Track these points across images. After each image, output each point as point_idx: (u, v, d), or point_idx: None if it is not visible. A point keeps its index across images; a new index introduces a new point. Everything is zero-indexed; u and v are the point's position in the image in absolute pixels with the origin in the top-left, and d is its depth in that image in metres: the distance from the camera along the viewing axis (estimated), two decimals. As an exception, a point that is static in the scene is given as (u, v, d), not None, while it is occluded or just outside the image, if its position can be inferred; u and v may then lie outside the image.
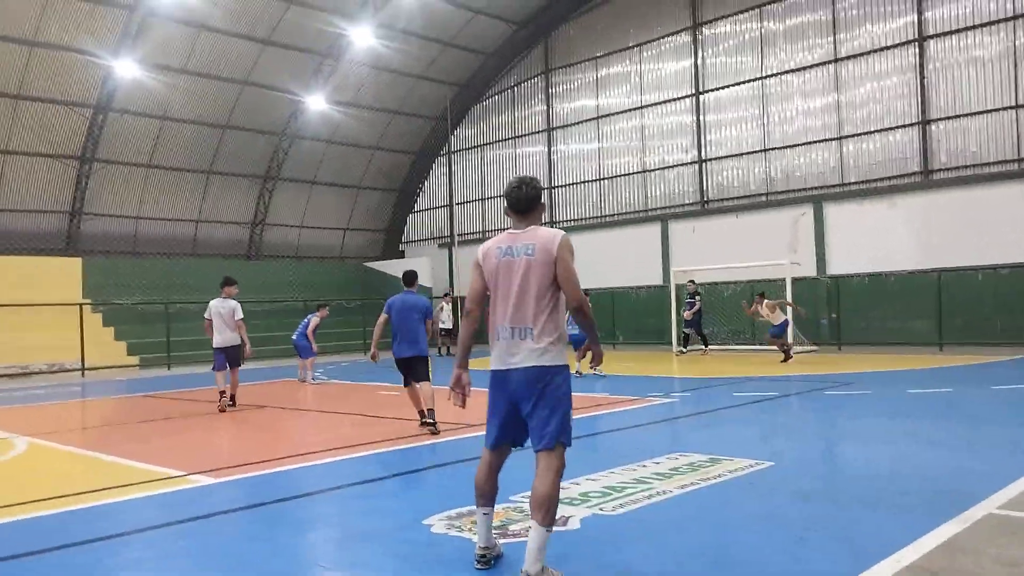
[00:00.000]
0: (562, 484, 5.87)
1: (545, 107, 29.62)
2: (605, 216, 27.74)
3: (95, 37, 23.34)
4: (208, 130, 27.89)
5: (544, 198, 4.25)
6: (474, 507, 4.32)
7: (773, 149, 23.63)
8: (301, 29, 26.11)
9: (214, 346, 11.60)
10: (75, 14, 22.65)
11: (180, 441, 9.24)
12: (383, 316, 9.51)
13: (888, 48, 21.48)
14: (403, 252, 35.05)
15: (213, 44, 25.51)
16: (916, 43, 20.97)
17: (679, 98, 25.73)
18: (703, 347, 20.90)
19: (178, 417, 11.44)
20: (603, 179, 27.87)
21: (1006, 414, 9.11)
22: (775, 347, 17.68)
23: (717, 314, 22.67)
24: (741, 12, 24.22)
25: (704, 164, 25.17)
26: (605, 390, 12.54)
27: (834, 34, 22.42)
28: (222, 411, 11.36)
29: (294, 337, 16.72)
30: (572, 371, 14.50)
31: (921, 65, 20.91)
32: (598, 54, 27.83)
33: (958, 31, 20.36)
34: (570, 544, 4.53)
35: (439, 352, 24.80)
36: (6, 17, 21.86)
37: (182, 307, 23.99)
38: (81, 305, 22.40)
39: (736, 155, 24.44)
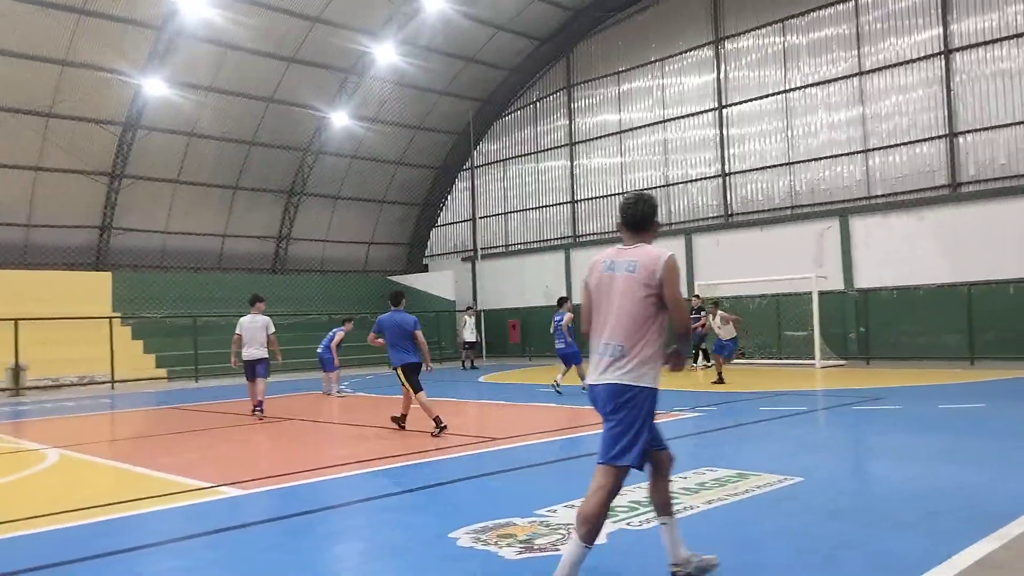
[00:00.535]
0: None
1: (567, 122, 29.70)
2: (628, 230, 27.62)
3: (125, 56, 23.80)
4: (234, 146, 28.28)
5: (659, 216, 4.24)
6: (500, 520, 4.31)
7: (798, 162, 23.49)
8: (325, 47, 26.44)
9: (245, 359, 12.29)
10: (105, 34, 23.12)
11: (208, 453, 9.32)
12: (372, 335, 10.39)
13: (914, 61, 21.31)
14: (426, 266, 35.20)
15: (239, 62, 25.91)
16: (942, 55, 20.79)
17: (702, 112, 25.69)
18: (693, 363, 20.77)
19: (206, 429, 11.54)
20: (626, 193, 27.81)
21: (1040, 430, 8.93)
22: (714, 363, 16.31)
23: (741, 328, 22.45)
24: (764, 26, 24.18)
25: (728, 178, 25.07)
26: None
27: (858, 47, 22.29)
28: (261, 420, 11.97)
29: (319, 350, 16.83)
30: (553, 383, 14.55)
31: (947, 77, 20.71)
32: (620, 69, 27.89)
33: (985, 43, 20.17)
34: (598, 559, 4.49)
35: (463, 366, 24.80)
36: (39, 38, 22.37)
37: (209, 320, 24.27)
38: (111, 319, 22.74)
39: (760, 168, 24.33)
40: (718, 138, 25.26)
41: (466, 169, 33.43)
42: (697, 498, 5.83)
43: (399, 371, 10.13)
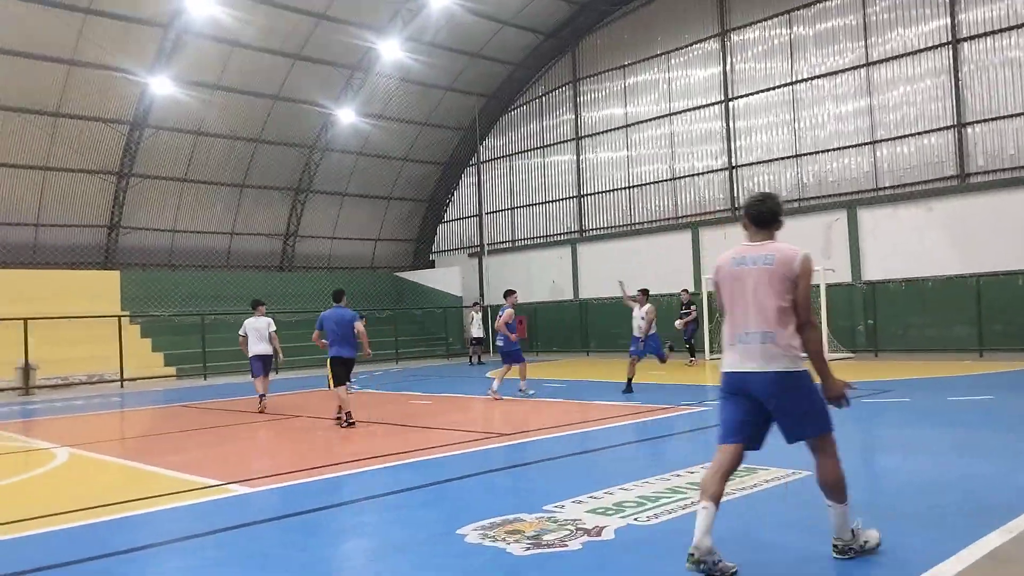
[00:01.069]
0: (595, 494, 5.87)
1: (573, 116, 29.63)
2: (635, 224, 27.64)
3: (131, 55, 23.85)
4: (241, 144, 28.33)
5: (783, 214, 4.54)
6: (508, 516, 4.33)
7: (805, 154, 23.39)
8: (330, 44, 26.44)
9: (250, 355, 13.42)
10: (112, 33, 23.17)
11: (217, 451, 9.36)
12: (317, 333, 11.57)
13: (921, 51, 21.17)
14: (433, 262, 35.23)
15: (245, 60, 25.94)
16: (950, 45, 20.65)
17: (708, 104, 25.60)
18: (691, 357, 20.42)
19: (214, 427, 11.60)
20: (632, 187, 27.79)
21: (1050, 422, 8.90)
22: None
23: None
24: (770, 18, 24.05)
25: (734, 170, 24.98)
26: (637, 399, 12.46)
27: (865, 38, 22.16)
28: (262, 411, 12.82)
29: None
30: (492, 389, 13.17)
31: (955, 67, 20.58)
32: (626, 62, 27.80)
33: (993, 33, 20.02)
34: (605, 555, 4.50)
35: (470, 361, 24.80)
36: (46, 37, 22.43)
37: (217, 318, 24.35)
38: (119, 317, 22.84)
39: (767, 161, 24.24)
40: (725, 131, 25.17)
41: (472, 165, 33.41)
42: (704, 493, 5.82)
43: (330, 362, 11.10)
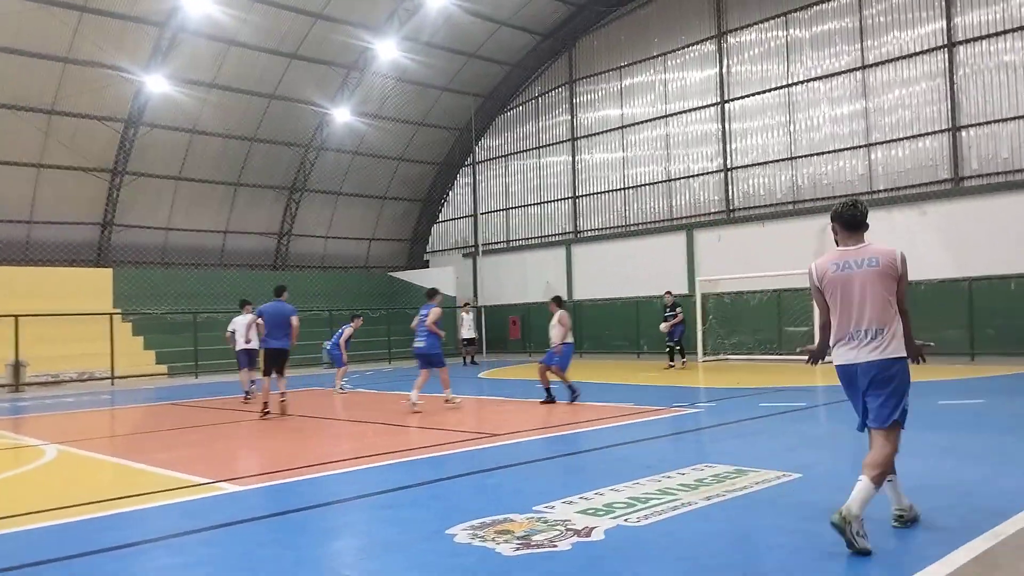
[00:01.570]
0: (586, 495, 5.87)
1: (569, 117, 29.65)
2: (630, 225, 27.66)
3: (127, 53, 23.78)
4: (236, 143, 28.27)
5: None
6: (498, 516, 4.33)
7: (800, 157, 23.44)
8: (327, 43, 26.41)
9: (238, 349, 14.64)
10: (107, 31, 23.10)
11: (207, 449, 9.33)
12: (255, 319, 12.78)
13: (917, 54, 21.24)
14: (427, 262, 35.21)
15: (241, 59, 25.88)
16: (945, 49, 20.72)
17: (704, 107, 25.63)
18: (681, 359, 19.78)
19: (205, 425, 11.55)
20: (628, 188, 27.82)
21: (1041, 426, 8.91)
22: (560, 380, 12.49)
23: (743, 324, 22.48)
24: (766, 20, 24.11)
25: (729, 172, 25.02)
26: (629, 400, 12.46)
27: (861, 40, 22.22)
28: (246, 401, 13.75)
29: (328, 346, 17.28)
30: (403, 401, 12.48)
31: (951, 71, 20.64)
32: (622, 64, 27.83)
33: (988, 36, 20.09)
34: (595, 556, 4.49)
35: (463, 362, 24.77)
36: (41, 35, 22.35)
37: (210, 317, 24.27)
38: (111, 315, 22.75)
39: (762, 163, 24.28)
40: (720, 133, 25.20)
41: (468, 165, 33.40)
42: (696, 494, 5.83)
43: (263, 352, 12.21)
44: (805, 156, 23.32)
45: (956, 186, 20.43)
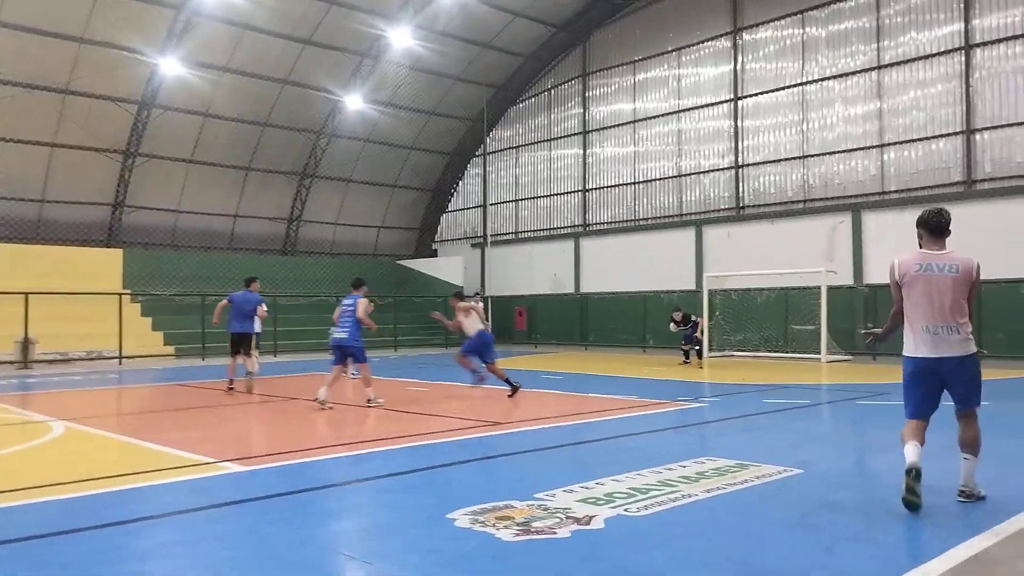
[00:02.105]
0: (587, 484, 5.91)
1: (581, 110, 29.58)
2: (639, 220, 27.63)
3: (142, 35, 23.84)
4: (248, 127, 28.34)
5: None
6: (498, 503, 4.45)
7: (812, 156, 23.35)
8: (341, 30, 26.41)
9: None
10: (123, 12, 23.16)
11: (213, 430, 9.40)
12: (224, 302, 13.53)
13: (933, 56, 21.10)
14: (436, 251, 35.26)
15: (256, 43, 25.92)
16: (963, 51, 20.57)
17: (717, 103, 25.55)
18: (699, 358, 19.36)
19: (211, 406, 11.63)
20: (638, 183, 27.76)
21: (1046, 430, 8.90)
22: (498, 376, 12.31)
23: (749, 321, 22.45)
24: (783, 17, 23.98)
25: (740, 169, 24.94)
26: (633, 392, 12.48)
27: (878, 41, 22.09)
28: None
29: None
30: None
31: (967, 73, 20.50)
32: (636, 58, 27.75)
33: (1006, 39, 19.94)
34: (594, 544, 4.52)
35: None
36: (57, 14, 22.43)
37: (218, 299, 24.28)
38: (120, 295, 22.88)
39: (774, 161, 24.20)
40: (732, 129, 25.12)
41: (478, 155, 33.39)
42: (696, 487, 5.85)
43: (242, 337, 13.12)
44: (817, 155, 23.23)
45: (969, 189, 20.32)
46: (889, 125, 21.87)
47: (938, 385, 5.36)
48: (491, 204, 32.74)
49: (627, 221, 27.97)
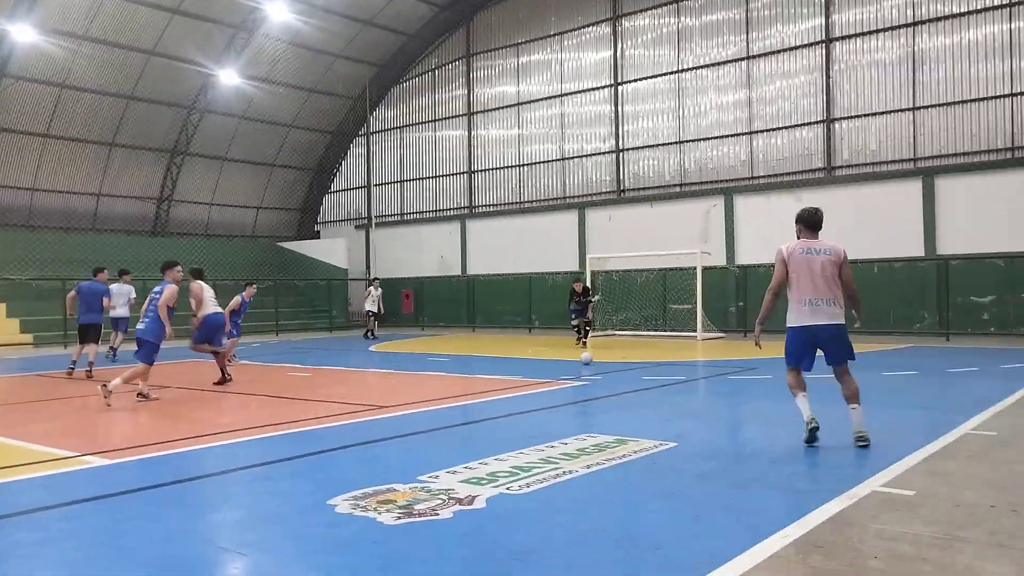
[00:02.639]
0: (470, 464, 5.92)
1: (466, 91, 29.47)
2: (524, 202, 27.88)
3: (-13, -5, 21.92)
4: (111, 100, 26.63)
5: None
6: (380, 487, 4.40)
7: (687, 141, 24.21)
8: (212, 0, 25.16)
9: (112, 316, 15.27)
10: (-36, -31, 21.21)
11: (73, 422, 8.83)
12: (73, 293, 13.50)
13: (797, 48, 22.27)
14: (318, 232, 34.39)
15: (117, 10, 24.32)
16: (823, 44, 21.82)
17: (598, 88, 26.04)
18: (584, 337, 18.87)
19: (72, 397, 10.92)
20: (522, 165, 27.99)
21: (893, 399, 9.63)
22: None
23: (630, 301, 23.15)
24: (660, 6, 24.67)
25: (621, 154, 25.57)
26: (518, 373, 12.64)
27: (747, 32, 23.09)
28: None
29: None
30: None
31: (827, 65, 21.77)
32: (519, 40, 27.86)
33: (862, 34, 21.29)
34: (475, 523, 4.55)
35: (365, 335, 23.99)
36: None
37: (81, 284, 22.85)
38: (-32, 280, 21.10)
39: (652, 146, 24.94)
40: (613, 114, 25.69)
41: (362, 135, 32.73)
42: (577, 463, 5.98)
43: (81, 326, 13.20)
44: (692, 141, 24.12)
45: (829, 175, 21.64)
46: (757, 113, 22.96)
47: (812, 347, 6.52)
48: (376, 185, 32.19)
49: (513, 203, 28.17)
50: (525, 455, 6.27)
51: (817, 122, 21.94)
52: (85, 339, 13.36)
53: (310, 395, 10.72)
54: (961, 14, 19.95)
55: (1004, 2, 19.38)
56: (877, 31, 21.06)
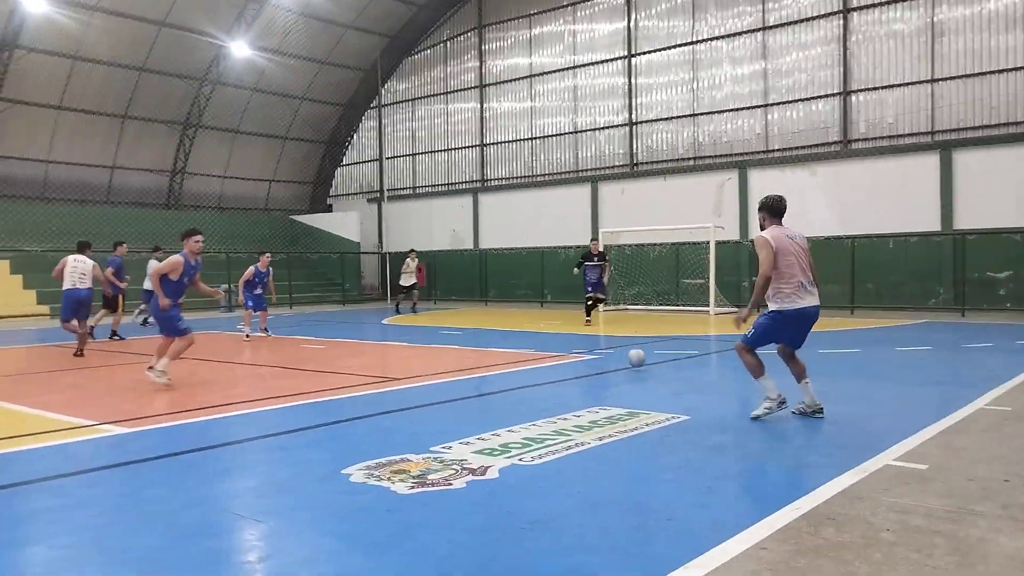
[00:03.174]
0: (483, 436, 5.96)
1: (478, 63, 29.24)
2: (536, 176, 27.76)
3: (-1, -34, 21.86)
4: (123, 72, 26.60)
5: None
6: (395, 456, 4.40)
7: (701, 114, 23.97)
8: (225, -31, 25.01)
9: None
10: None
11: (91, 391, 8.94)
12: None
13: (814, 19, 21.92)
14: (331, 206, 34.41)
15: (129, -20, 24.20)
16: (840, 15, 21.46)
17: (612, 59, 25.77)
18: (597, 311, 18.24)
19: (90, 367, 11.06)
20: (535, 138, 27.82)
21: (907, 374, 9.61)
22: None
23: (642, 275, 23.10)
24: (675, -25, 24.29)
25: (634, 127, 25.37)
26: (530, 346, 12.67)
27: (763, 2, 22.73)
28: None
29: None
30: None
31: (845, 37, 21.44)
32: (532, 11, 27.55)
33: (880, 4, 20.91)
34: (488, 493, 4.59)
35: (397, 309, 22.85)
36: None
37: (96, 256, 22.96)
38: (-15, 252, 21.29)
39: (666, 119, 24.71)
40: (626, 87, 25.44)
41: (373, 107, 32.59)
42: (589, 435, 6.02)
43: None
44: (706, 113, 23.87)
45: (844, 148, 21.40)
46: (773, 86, 22.68)
47: (800, 327, 6.72)
48: (388, 158, 32.12)
49: (525, 177, 28.06)
50: (537, 427, 6.31)
51: (834, 94, 21.66)
52: (115, 308, 15.05)
53: (325, 367, 10.80)
54: (983, -16, 19.55)
55: (1028, -29, 18.97)
56: (896, 1, 20.68)
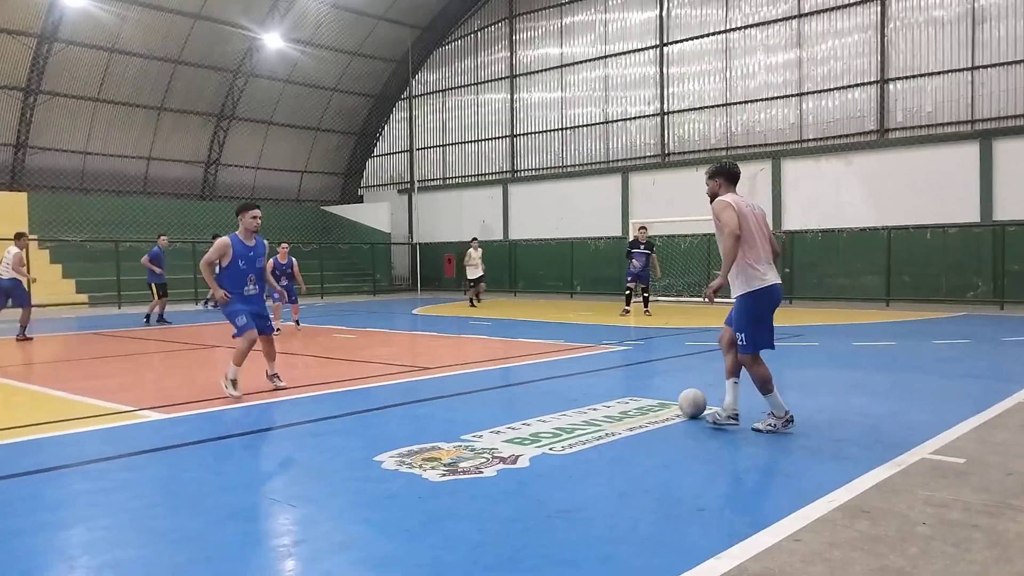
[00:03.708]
0: (513, 425, 5.97)
1: (508, 54, 29.18)
2: (566, 166, 27.67)
3: (38, -39, 22.25)
4: (159, 64, 26.97)
5: None
6: (426, 444, 4.43)
7: (734, 104, 23.70)
8: (258, -38, 25.21)
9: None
10: (16, -65, 21.52)
11: (130, 378, 9.12)
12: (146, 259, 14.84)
13: (850, 5, 21.53)
14: (362, 197, 34.65)
15: (165, -26, 24.52)
16: (878, 1, 21.05)
17: (643, 49, 25.56)
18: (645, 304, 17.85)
19: (128, 355, 11.27)
20: (565, 129, 27.72)
21: (944, 367, 9.44)
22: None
23: (673, 267, 22.94)
24: (709, -37, 24.00)
25: (666, 117, 25.16)
26: (560, 337, 12.66)
27: (799, -11, 22.38)
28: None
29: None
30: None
31: (882, 24, 21.03)
32: (564, 1, 27.41)
33: (920, -9, 20.47)
34: (518, 481, 4.61)
35: (472, 303, 21.41)
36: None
37: (133, 246, 23.45)
38: (28, 240, 21.72)
39: (698, 108, 24.47)
40: (658, 76, 25.22)
41: (404, 99, 32.69)
42: (620, 425, 6.01)
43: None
44: (740, 103, 23.59)
45: (881, 138, 21.03)
46: (808, 74, 22.33)
47: (772, 311, 5.96)
48: (418, 149, 32.23)
49: (555, 167, 27.98)
50: (568, 417, 6.31)
51: (870, 83, 21.27)
52: (164, 295, 16.37)
53: (356, 356, 10.90)
54: (1027, -32, 19.05)
55: (1074, -45, 18.44)
56: (936, -13, 20.24)
